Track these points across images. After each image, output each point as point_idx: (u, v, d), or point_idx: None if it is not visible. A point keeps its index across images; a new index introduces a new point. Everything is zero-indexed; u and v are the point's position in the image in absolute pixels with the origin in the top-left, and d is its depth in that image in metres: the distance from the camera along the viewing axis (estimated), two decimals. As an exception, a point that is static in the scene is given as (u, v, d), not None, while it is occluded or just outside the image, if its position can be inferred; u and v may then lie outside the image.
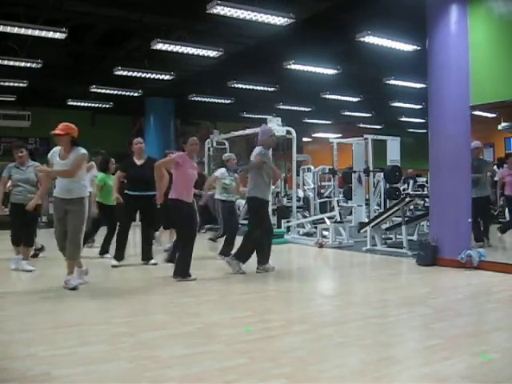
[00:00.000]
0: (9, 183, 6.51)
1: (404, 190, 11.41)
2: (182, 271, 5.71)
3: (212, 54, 9.24)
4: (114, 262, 6.69)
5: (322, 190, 14.12)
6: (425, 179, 13.10)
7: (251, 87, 12.54)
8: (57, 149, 5.24)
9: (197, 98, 13.94)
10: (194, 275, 5.72)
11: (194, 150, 5.90)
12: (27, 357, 3.18)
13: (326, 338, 3.61)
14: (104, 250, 7.53)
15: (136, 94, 12.86)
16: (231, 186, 7.39)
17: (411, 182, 12.87)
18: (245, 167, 6.64)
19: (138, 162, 6.87)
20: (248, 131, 11.20)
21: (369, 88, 13.67)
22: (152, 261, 6.88)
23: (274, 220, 9.33)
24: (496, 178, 8.99)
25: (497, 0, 6.40)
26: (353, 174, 11.15)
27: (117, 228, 7.13)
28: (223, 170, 7.55)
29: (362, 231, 8.82)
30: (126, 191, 6.85)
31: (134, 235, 9.36)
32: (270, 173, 6.34)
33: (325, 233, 9.44)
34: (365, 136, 10.91)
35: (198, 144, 5.96)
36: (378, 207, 11.36)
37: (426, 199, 9.34)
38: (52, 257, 6.74)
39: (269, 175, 6.32)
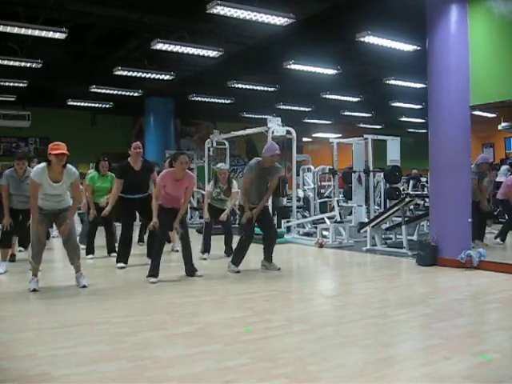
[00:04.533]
0: None
1: (404, 190, 11.39)
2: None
3: (212, 53, 9.25)
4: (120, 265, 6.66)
5: (322, 190, 14.11)
6: (425, 179, 13.10)
7: (251, 87, 12.55)
8: (41, 169, 4.98)
9: (197, 98, 13.95)
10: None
11: (181, 169, 5.70)
12: (27, 357, 3.18)
13: (326, 338, 3.61)
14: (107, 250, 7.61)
15: (136, 94, 12.87)
16: (221, 197, 7.57)
17: (412, 182, 12.84)
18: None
19: (136, 168, 6.64)
20: (248, 131, 11.20)
21: (369, 88, 13.69)
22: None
23: (274, 220, 9.28)
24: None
25: (497, 0, 6.41)
26: (353, 174, 11.15)
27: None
28: (211, 183, 7.61)
29: (362, 231, 8.81)
30: (121, 194, 6.68)
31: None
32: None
33: (325, 233, 9.44)
34: (365, 136, 10.90)
35: (188, 162, 5.86)
36: (377, 207, 11.36)
37: (426, 199, 9.33)
38: (50, 258, 6.73)
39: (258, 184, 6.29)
